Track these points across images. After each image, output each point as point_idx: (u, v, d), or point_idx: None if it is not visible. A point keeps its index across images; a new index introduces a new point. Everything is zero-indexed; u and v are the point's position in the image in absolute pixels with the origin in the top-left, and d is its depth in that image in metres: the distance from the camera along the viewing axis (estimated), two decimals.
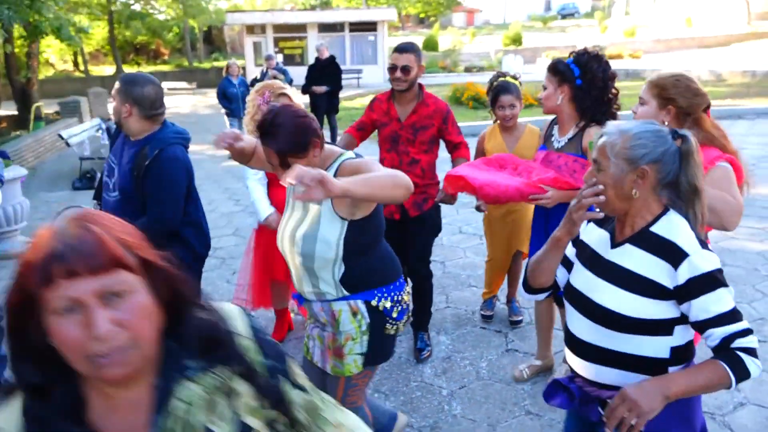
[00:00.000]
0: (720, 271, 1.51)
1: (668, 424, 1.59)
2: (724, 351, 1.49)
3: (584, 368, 1.68)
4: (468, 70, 24.94)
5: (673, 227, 1.56)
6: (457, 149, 3.37)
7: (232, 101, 9.49)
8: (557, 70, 2.72)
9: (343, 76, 9.78)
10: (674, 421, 1.61)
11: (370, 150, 3.29)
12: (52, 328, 0.78)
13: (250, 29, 24.81)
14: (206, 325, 0.92)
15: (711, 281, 1.49)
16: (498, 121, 3.53)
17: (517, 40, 30.39)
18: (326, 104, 9.39)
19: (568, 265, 1.81)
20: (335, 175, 1.95)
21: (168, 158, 2.65)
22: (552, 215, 2.79)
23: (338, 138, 3.62)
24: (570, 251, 1.80)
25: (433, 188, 3.39)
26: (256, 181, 3.49)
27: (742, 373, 1.47)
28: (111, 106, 2.93)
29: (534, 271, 1.82)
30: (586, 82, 2.66)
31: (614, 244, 1.65)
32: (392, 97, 3.38)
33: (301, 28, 24.82)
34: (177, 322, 0.90)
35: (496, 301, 3.91)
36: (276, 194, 3.47)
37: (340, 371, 2.16)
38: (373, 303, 2.10)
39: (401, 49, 3.28)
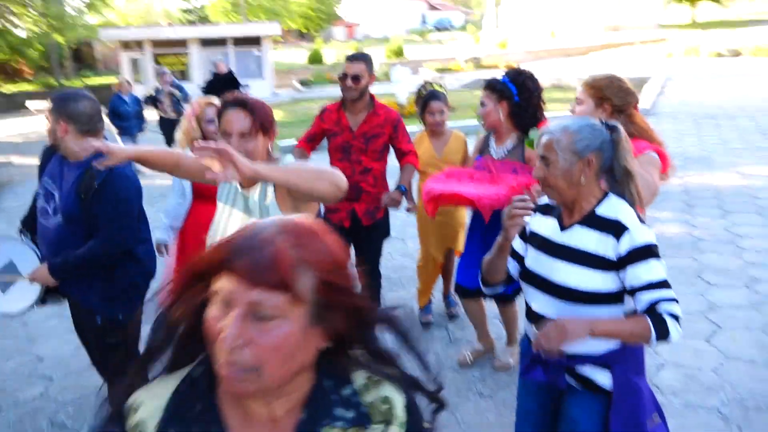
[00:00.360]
0: (655, 245, 1.75)
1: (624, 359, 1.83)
2: (651, 312, 1.69)
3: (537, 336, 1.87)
4: None
5: (615, 207, 1.80)
6: (406, 157, 3.46)
7: (124, 119, 9.07)
8: (495, 88, 2.97)
9: None
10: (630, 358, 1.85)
11: (319, 159, 3.36)
12: (208, 310, 0.79)
13: (126, 45, 23.66)
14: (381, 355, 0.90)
15: (646, 252, 1.72)
16: (427, 128, 3.73)
17: (399, 53, 31.33)
18: None
19: (517, 257, 2.00)
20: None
21: (119, 177, 2.54)
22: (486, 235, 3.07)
23: None
24: (518, 245, 2.00)
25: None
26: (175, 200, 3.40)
27: (664, 334, 1.66)
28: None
29: (488, 271, 2.02)
30: (524, 99, 2.95)
31: (563, 228, 1.86)
32: (343, 106, 3.41)
33: (182, 43, 24.02)
34: (348, 346, 0.89)
35: (432, 299, 4.09)
36: (199, 209, 3.32)
37: None
38: None
39: (352, 58, 3.34)
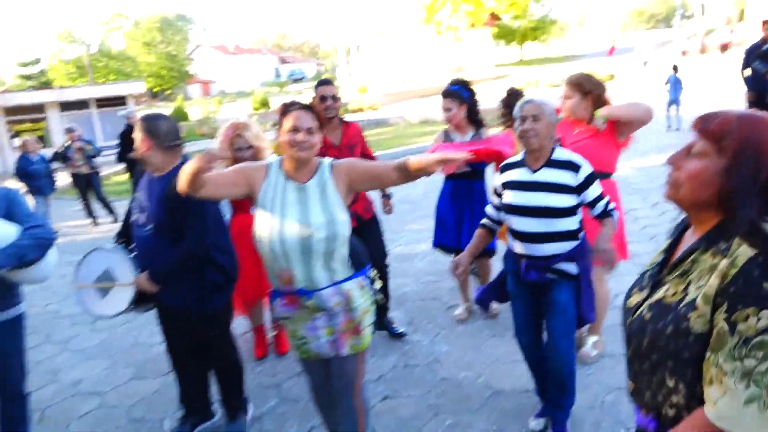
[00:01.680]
0: (593, 172, 2.69)
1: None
2: (606, 213, 2.64)
3: (531, 249, 2.65)
4: None
5: (562, 152, 2.71)
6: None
7: (34, 179, 8.90)
8: (457, 95, 3.88)
9: (103, 154, 10.02)
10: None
11: None
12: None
13: None
14: None
15: (592, 177, 2.67)
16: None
17: (265, 104, 32.05)
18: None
19: (498, 209, 2.85)
20: (330, 175, 2.37)
21: None
22: (456, 201, 4.02)
23: None
24: (495, 201, 2.85)
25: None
26: None
27: (615, 221, 2.65)
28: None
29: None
30: (473, 101, 3.93)
31: (533, 171, 2.67)
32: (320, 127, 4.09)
33: (39, 108, 22.88)
34: None
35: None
36: (239, 219, 3.86)
37: (360, 346, 2.43)
38: (371, 277, 2.50)
39: (324, 82, 3.88)
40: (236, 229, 3.79)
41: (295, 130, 2.28)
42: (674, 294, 1.26)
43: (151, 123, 2.88)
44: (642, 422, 1.41)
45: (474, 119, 3.99)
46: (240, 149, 3.69)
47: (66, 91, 25.77)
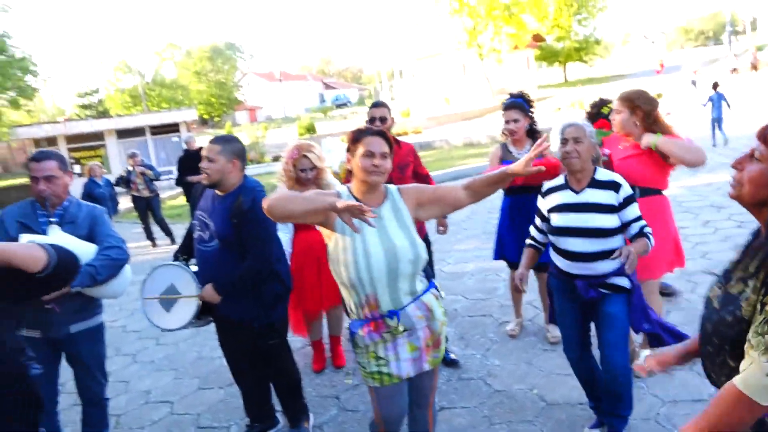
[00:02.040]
0: (633, 194, 2.78)
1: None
2: (642, 234, 2.69)
3: (584, 269, 2.75)
4: (276, 159, 26.26)
5: (605, 173, 2.82)
6: (427, 180, 4.18)
7: (99, 202, 9.39)
8: (521, 106, 3.97)
9: (162, 178, 10.46)
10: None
11: None
12: None
13: (37, 143, 23.30)
14: None
15: (632, 198, 2.77)
16: None
17: (311, 129, 32.71)
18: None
19: (540, 231, 2.96)
20: (401, 199, 2.43)
21: (261, 204, 3.25)
22: (516, 216, 4.04)
23: None
24: (540, 224, 2.96)
25: None
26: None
27: (652, 243, 2.69)
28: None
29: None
30: (533, 114, 4.03)
31: (578, 192, 2.78)
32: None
33: (98, 136, 24.03)
34: None
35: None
36: (302, 237, 3.99)
37: (438, 359, 2.48)
38: (439, 289, 2.55)
39: (376, 104, 4.02)
40: (299, 246, 3.98)
41: (370, 155, 2.31)
42: (737, 285, 1.40)
43: (236, 144, 3.10)
44: None
45: (533, 132, 4.02)
46: (304, 170, 3.82)
47: (123, 119, 27.01)
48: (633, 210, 2.73)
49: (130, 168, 9.84)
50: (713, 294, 1.52)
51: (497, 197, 4.00)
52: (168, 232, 10.02)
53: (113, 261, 2.96)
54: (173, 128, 24.87)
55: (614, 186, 2.74)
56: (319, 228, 2.42)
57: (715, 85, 13.02)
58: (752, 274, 1.36)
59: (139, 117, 27.02)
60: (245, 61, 60.19)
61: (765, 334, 1.25)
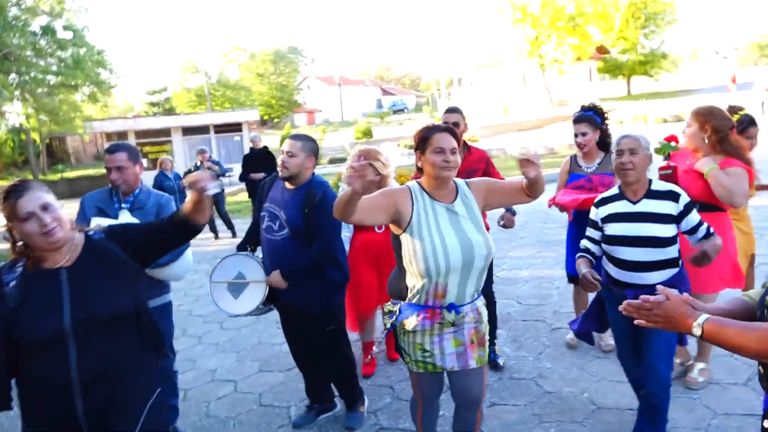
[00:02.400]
0: (691, 201, 2.82)
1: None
2: (709, 234, 2.78)
3: (636, 278, 2.78)
4: (332, 161, 26.75)
5: (662, 184, 2.86)
6: None
7: (169, 193, 9.87)
8: (592, 120, 3.92)
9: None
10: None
11: None
12: None
13: (109, 137, 24.55)
14: None
15: (691, 205, 2.81)
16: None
17: (368, 133, 33.16)
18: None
19: (594, 240, 2.99)
20: (471, 194, 2.54)
21: (331, 196, 3.27)
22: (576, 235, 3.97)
23: None
24: (593, 234, 2.99)
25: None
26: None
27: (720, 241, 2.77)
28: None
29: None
30: (605, 126, 4.03)
31: (634, 203, 2.82)
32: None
33: (165, 132, 25.08)
34: None
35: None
36: (361, 237, 4.12)
37: (484, 359, 2.55)
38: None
39: (450, 110, 4.11)
40: (357, 245, 4.13)
41: (440, 151, 2.41)
42: None
43: (314, 143, 3.36)
44: None
45: (605, 145, 3.97)
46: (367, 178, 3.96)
47: (189, 117, 28.10)
48: (695, 216, 2.79)
49: (199, 163, 10.32)
50: None
51: (554, 209, 4.08)
52: (230, 226, 10.45)
53: None
54: (236, 127, 25.68)
55: (673, 196, 2.79)
56: (391, 226, 2.51)
57: None
58: None
59: (204, 116, 28.04)
60: (306, 65, 61.46)
61: None
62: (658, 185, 2.87)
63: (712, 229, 2.82)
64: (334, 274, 3.38)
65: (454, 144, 2.46)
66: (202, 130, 25.54)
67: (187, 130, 25.28)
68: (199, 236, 9.34)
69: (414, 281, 2.47)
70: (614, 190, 2.97)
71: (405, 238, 2.45)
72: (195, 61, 50.56)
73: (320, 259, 3.29)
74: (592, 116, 3.96)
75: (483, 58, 42.28)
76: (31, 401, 1.96)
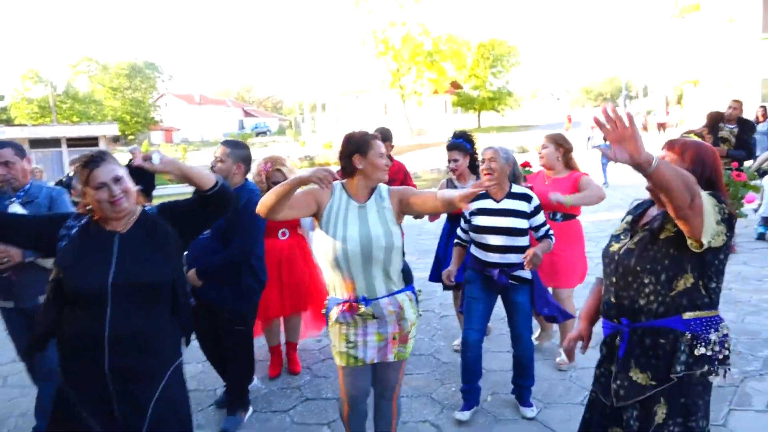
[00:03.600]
0: (540, 204, 3.62)
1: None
2: (546, 236, 3.51)
3: (494, 258, 3.46)
4: None
5: (519, 188, 3.61)
6: None
7: None
8: (462, 146, 4.36)
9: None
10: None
11: None
12: None
13: None
14: None
15: (540, 207, 3.62)
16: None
17: None
18: None
19: (465, 232, 3.71)
20: (387, 195, 2.71)
21: (256, 204, 3.29)
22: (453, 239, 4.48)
23: None
24: (464, 225, 3.70)
25: None
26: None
27: (552, 243, 3.53)
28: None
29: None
30: (474, 151, 4.60)
31: (498, 201, 3.50)
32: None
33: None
34: None
35: None
36: (268, 243, 4.00)
37: (404, 355, 2.73)
38: (417, 294, 2.85)
39: (382, 130, 4.66)
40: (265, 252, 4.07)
41: (382, 155, 2.67)
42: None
43: (244, 150, 3.57)
44: (611, 328, 2.22)
45: (474, 168, 4.29)
46: (276, 182, 3.81)
47: (38, 128, 26.04)
48: (541, 217, 3.53)
49: (72, 173, 9.93)
50: (616, 248, 2.22)
51: (425, 221, 4.69)
52: None
53: None
54: (92, 142, 24.31)
55: (527, 198, 3.51)
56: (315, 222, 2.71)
57: (605, 138, 15.54)
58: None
59: (56, 128, 26.17)
60: (163, 81, 58.98)
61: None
62: (517, 189, 3.54)
63: (551, 232, 3.53)
64: (249, 278, 3.56)
65: (384, 150, 2.71)
66: (53, 143, 23.84)
67: (36, 143, 23.44)
68: None
69: (328, 274, 2.68)
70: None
71: (317, 232, 2.66)
72: (38, 70, 46.56)
73: (234, 260, 3.43)
74: (462, 143, 4.31)
75: (347, 86, 43.76)
76: (67, 354, 2.14)
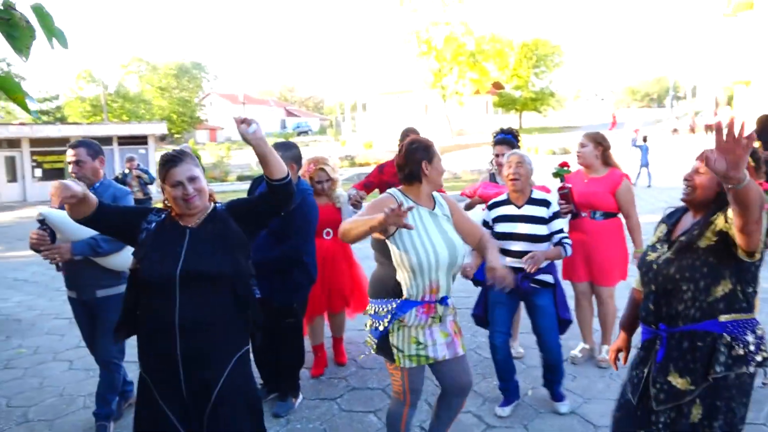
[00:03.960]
0: (559, 210, 3.66)
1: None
2: (560, 243, 3.52)
3: (519, 264, 3.39)
4: (240, 178, 26.78)
5: (538, 192, 3.67)
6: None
7: None
8: (509, 141, 4.49)
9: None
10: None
11: None
12: None
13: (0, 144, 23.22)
14: None
15: (558, 214, 3.66)
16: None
17: None
18: None
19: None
20: (446, 204, 2.85)
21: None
22: None
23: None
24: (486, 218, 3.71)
25: None
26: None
27: (567, 252, 3.55)
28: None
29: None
30: (519, 147, 4.69)
31: (519, 207, 3.55)
32: None
33: (64, 141, 24.04)
34: None
35: None
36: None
37: (465, 346, 2.85)
38: None
39: (409, 131, 4.77)
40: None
41: (440, 160, 2.78)
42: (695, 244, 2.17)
43: (295, 151, 3.71)
44: (649, 333, 2.30)
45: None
46: (320, 182, 4.20)
47: (91, 127, 27.10)
48: (558, 223, 3.54)
49: (127, 171, 10.39)
50: (653, 257, 2.29)
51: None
52: None
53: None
54: (141, 140, 25.12)
55: (546, 203, 3.55)
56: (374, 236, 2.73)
57: (645, 138, 17.22)
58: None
59: (108, 126, 27.18)
60: (209, 81, 60.43)
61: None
62: (537, 194, 3.57)
63: (567, 241, 3.54)
64: (299, 274, 3.70)
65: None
66: (104, 141, 24.73)
67: None
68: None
69: (409, 279, 2.67)
70: (503, 197, 3.65)
71: (396, 241, 2.65)
72: (91, 70, 48.32)
73: (287, 258, 3.58)
74: (510, 139, 4.47)
75: (388, 86, 44.00)
76: (144, 341, 2.30)
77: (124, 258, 3.37)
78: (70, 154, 3.45)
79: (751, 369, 2.12)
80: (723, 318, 2.12)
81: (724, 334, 2.10)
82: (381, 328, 2.71)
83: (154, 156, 24.98)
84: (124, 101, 48.07)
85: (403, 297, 2.69)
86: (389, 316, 2.68)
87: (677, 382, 2.16)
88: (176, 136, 53.41)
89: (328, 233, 4.33)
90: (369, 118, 47.28)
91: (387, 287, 2.75)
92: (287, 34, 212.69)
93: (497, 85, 44.18)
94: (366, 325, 2.84)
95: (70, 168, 3.45)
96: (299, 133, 59.08)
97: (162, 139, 54.19)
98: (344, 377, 4.33)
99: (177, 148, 3.33)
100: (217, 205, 2.46)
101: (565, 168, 4.40)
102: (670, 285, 2.18)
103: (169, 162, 2.29)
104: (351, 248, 4.52)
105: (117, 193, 3.50)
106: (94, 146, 3.54)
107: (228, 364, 2.28)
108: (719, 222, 2.11)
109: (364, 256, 4.66)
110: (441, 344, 2.71)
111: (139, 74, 54.58)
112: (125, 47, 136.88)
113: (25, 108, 1.62)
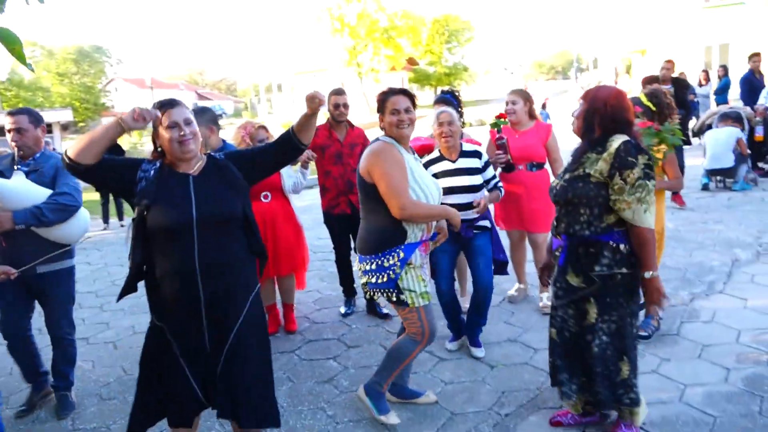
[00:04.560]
0: (489, 159, 4.01)
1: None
2: (496, 187, 3.81)
3: (463, 215, 3.45)
4: None
5: (469, 145, 3.81)
6: None
7: None
8: (449, 101, 4.58)
9: None
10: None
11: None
12: None
13: None
14: None
15: (489, 162, 3.96)
16: None
17: None
18: None
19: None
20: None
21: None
22: None
23: None
24: None
25: None
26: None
27: (501, 193, 3.89)
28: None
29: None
30: (461, 105, 4.88)
31: (453, 161, 3.70)
32: (331, 126, 4.59)
33: None
34: None
35: None
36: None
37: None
38: None
39: (338, 92, 4.59)
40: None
41: (396, 111, 2.86)
42: (579, 172, 2.63)
43: (210, 113, 3.84)
44: (557, 243, 2.76)
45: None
46: (261, 140, 4.26)
47: None
48: (491, 170, 3.81)
49: None
50: (557, 182, 2.74)
51: None
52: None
53: (61, 206, 3.22)
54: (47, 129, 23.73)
55: (478, 154, 3.75)
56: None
57: (543, 105, 19.06)
58: (590, 166, 2.56)
59: (3, 116, 25.35)
60: (112, 66, 57.28)
61: (635, 194, 2.43)
62: (467, 146, 3.77)
63: (500, 184, 3.86)
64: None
65: (408, 105, 2.89)
66: (3, 131, 23.16)
67: None
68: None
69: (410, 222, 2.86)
70: (436, 153, 3.80)
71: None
72: None
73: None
74: (449, 98, 4.51)
75: (303, 65, 43.55)
76: (160, 289, 2.29)
77: (70, 229, 3.33)
78: (9, 122, 3.30)
79: (630, 270, 2.57)
80: (615, 229, 2.59)
81: (610, 241, 2.56)
82: (392, 276, 2.82)
83: (60, 146, 23.65)
84: (19, 89, 44.86)
85: (406, 241, 2.84)
86: (399, 263, 2.81)
87: (573, 280, 2.66)
88: (80, 124, 50.52)
89: (266, 196, 4.33)
90: (285, 99, 46.69)
91: (385, 235, 2.85)
92: (193, 16, 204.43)
93: (412, 61, 44.71)
94: (365, 284, 2.95)
95: (9, 136, 3.30)
96: None
97: (65, 128, 51.15)
98: (300, 332, 4.52)
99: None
100: (213, 154, 2.51)
101: (503, 120, 4.68)
102: (570, 206, 2.64)
103: (166, 104, 2.33)
104: (293, 210, 4.53)
105: (59, 163, 3.35)
106: (35, 113, 3.42)
107: (246, 303, 2.36)
108: (594, 174, 2.58)
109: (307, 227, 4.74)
110: (430, 282, 3.01)
111: (33, 60, 50.89)
112: (17, 32, 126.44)
113: (23, 60, 1.71)
